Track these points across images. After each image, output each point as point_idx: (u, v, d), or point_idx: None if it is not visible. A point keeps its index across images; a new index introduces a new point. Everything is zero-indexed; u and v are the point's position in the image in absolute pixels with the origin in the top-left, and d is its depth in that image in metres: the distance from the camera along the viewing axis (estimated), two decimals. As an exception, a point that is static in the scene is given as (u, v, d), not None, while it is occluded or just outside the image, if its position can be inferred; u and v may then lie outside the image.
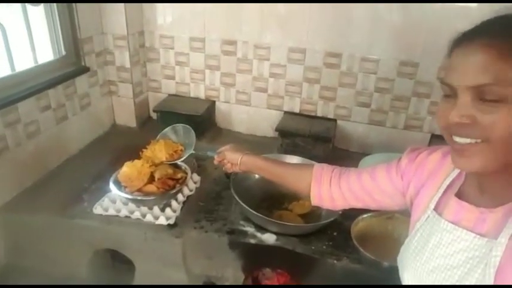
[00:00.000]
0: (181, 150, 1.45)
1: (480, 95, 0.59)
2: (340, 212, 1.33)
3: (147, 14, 1.93)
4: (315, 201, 1.04)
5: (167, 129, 1.48)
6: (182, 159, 1.42)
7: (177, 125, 1.48)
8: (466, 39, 0.63)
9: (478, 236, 0.67)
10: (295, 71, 1.86)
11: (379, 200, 0.94)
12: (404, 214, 1.34)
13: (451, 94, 0.63)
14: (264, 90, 1.95)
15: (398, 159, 0.91)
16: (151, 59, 2.04)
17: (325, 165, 1.05)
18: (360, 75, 1.79)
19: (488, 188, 0.69)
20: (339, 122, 1.91)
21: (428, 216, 0.78)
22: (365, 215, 1.34)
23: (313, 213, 1.45)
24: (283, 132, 1.82)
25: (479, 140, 0.61)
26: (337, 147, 1.94)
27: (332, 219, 1.32)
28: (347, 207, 1.02)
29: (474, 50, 0.60)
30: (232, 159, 1.17)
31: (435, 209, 0.77)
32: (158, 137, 1.47)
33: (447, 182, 0.77)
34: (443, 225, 0.73)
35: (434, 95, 1.74)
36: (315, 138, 1.78)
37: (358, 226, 1.32)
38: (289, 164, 1.17)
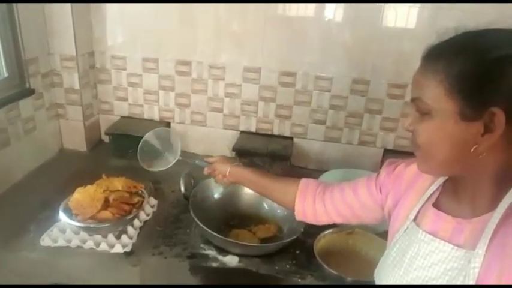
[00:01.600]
0: (141, 188, 1.40)
1: (415, 106, 0.70)
2: (302, 230, 1.33)
3: (97, 34, 1.87)
4: (299, 216, 1.08)
5: (149, 134, 1.36)
6: (168, 166, 1.31)
7: (160, 128, 1.40)
8: (422, 56, 0.71)
9: (456, 248, 0.68)
10: (251, 91, 1.87)
11: (360, 214, 0.98)
12: (365, 229, 1.36)
13: None
14: (220, 110, 1.94)
15: (378, 173, 0.94)
16: (102, 80, 1.97)
17: (310, 181, 1.08)
18: (315, 93, 1.82)
19: (464, 198, 0.72)
20: (295, 139, 1.93)
21: (408, 227, 0.79)
22: (326, 232, 1.34)
23: (277, 238, 1.42)
24: (240, 151, 1.81)
25: (416, 147, 0.72)
26: (295, 165, 1.95)
27: (294, 237, 1.31)
28: (330, 222, 1.06)
29: (420, 66, 0.71)
30: (221, 170, 1.20)
31: (415, 219, 0.78)
32: (141, 143, 1.34)
33: (428, 193, 0.79)
34: (421, 236, 0.74)
35: (385, 111, 1.80)
36: (272, 157, 1.78)
37: (320, 243, 1.31)
38: (276, 177, 1.18)
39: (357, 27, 1.70)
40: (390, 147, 1.87)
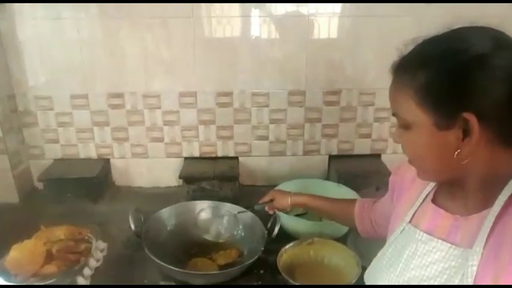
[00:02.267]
0: (87, 233, 1.33)
1: (397, 121, 0.73)
2: (262, 249, 1.30)
3: (15, 75, 1.74)
4: (363, 235, 1.18)
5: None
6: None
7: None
8: (392, 70, 0.73)
9: (454, 246, 0.68)
10: (189, 115, 1.83)
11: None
12: (324, 236, 1.37)
13: None
14: (161, 140, 1.88)
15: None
16: (27, 123, 1.83)
17: (365, 201, 1.16)
18: (254, 110, 1.83)
19: (459, 196, 0.72)
20: (240, 159, 1.91)
21: (404, 229, 0.79)
22: (287, 246, 1.32)
23: (239, 262, 1.38)
24: (187, 178, 1.75)
25: (409, 158, 0.76)
26: (244, 184, 1.93)
27: (255, 257, 1.28)
28: None
29: (392, 81, 0.72)
30: (283, 205, 1.34)
31: (410, 221, 0.78)
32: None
33: (423, 195, 0.80)
34: (418, 236, 0.74)
35: (324, 118, 1.85)
36: (220, 179, 1.75)
37: (283, 258, 1.29)
38: (334, 200, 1.30)
39: (284, 41, 1.73)
40: (334, 153, 1.92)
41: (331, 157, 1.92)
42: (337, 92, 1.81)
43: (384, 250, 0.82)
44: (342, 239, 1.41)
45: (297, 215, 1.55)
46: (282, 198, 1.34)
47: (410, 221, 0.79)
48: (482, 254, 0.63)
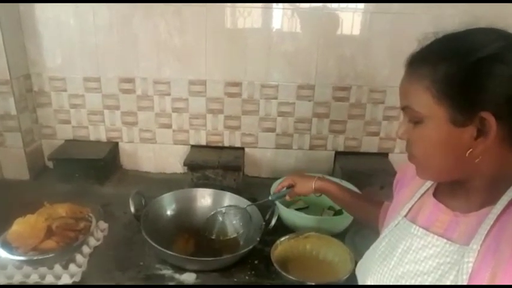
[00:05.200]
0: (88, 212, 1.35)
1: (407, 115, 0.70)
2: (258, 239, 1.32)
3: (32, 55, 1.79)
4: None
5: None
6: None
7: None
8: (406, 63, 0.71)
9: (450, 242, 0.67)
10: (198, 104, 1.85)
11: None
12: (321, 231, 1.37)
13: None
14: (169, 126, 1.90)
15: None
16: (41, 103, 1.88)
17: (389, 205, 1.05)
18: (262, 102, 1.83)
19: (460, 193, 0.71)
20: (246, 149, 1.92)
21: (398, 223, 0.78)
22: (282, 239, 1.33)
23: (233, 251, 1.38)
24: (191, 166, 1.77)
25: (412, 156, 0.73)
26: (248, 175, 1.94)
27: (250, 247, 1.30)
28: None
29: (405, 74, 0.70)
30: (306, 189, 1.24)
31: (407, 216, 0.78)
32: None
33: (421, 190, 0.79)
34: (413, 231, 0.74)
35: (332, 114, 1.84)
36: (224, 169, 1.76)
37: (277, 250, 1.30)
38: (359, 196, 1.27)
39: (296, 34, 1.73)
40: (341, 149, 1.91)
41: (338, 153, 1.91)
42: (347, 88, 1.79)
43: (378, 243, 0.81)
44: (341, 235, 1.41)
45: (298, 209, 1.55)
46: (305, 182, 1.24)
47: (406, 216, 0.78)
48: (479, 251, 0.62)
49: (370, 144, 1.89)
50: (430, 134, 0.66)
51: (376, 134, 1.87)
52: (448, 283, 0.64)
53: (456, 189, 0.72)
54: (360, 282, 0.82)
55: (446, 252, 0.67)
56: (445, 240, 0.68)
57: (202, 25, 1.72)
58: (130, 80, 1.83)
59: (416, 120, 0.68)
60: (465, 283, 0.61)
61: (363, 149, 1.90)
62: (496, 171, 0.66)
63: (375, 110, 1.83)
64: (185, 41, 1.75)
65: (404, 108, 0.70)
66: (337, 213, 1.59)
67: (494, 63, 0.60)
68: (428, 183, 0.80)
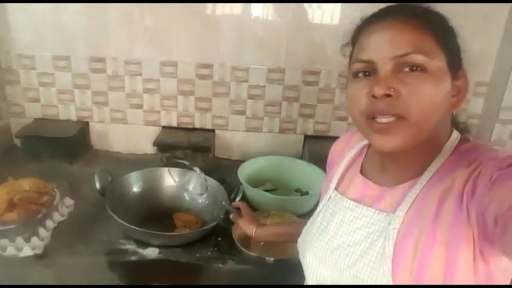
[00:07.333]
0: (52, 188, 1.34)
1: (400, 66, 0.62)
2: (222, 217, 1.34)
3: (-1, 33, 1.77)
4: None
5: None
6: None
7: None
8: (376, 19, 0.67)
9: (378, 211, 0.70)
10: (169, 85, 1.85)
11: None
12: (284, 211, 1.40)
13: (368, 72, 0.66)
14: (140, 107, 1.90)
15: None
16: (10, 81, 1.86)
17: None
18: (233, 84, 1.85)
19: (390, 167, 0.73)
20: (217, 131, 1.94)
21: (330, 197, 0.80)
22: (244, 216, 1.36)
23: (197, 227, 1.42)
24: (161, 146, 1.79)
25: (401, 116, 0.61)
26: (218, 157, 1.96)
27: (214, 224, 1.32)
28: None
29: (390, 24, 0.64)
30: (247, 231, 1.19)
31: (337, 188, 0.80)
32: None
33: (345, 161, 0.81)
34: (346, 204, 0.76)
35: (302, 98, 1.87)
36: (194, 149, 1.78)
37: (239, 228, 1.33)
38: (300, 222, 1.15)
39: (267, 18, 1.75)
40: (310, 133, 1.94)
41: (307, 137, 1.94)
42: (316, 73, 1.82)
43: (314, 218, 0.83)
44: (302, 216, 1.44)
45: (266, 190, 1.58)
46: (250, 222, 1.20)
47: (336, 189, 0.80)
48: (404, 218, 0.65)
49: (338, 129, 1.93)
50: (435, 85, 0.61)
51: (345, 118, 1.91)
52: (376, 250, 0.67)
53: (387, 165, 0.73)
54: (301, 258, 0.82)
55: (375, 221, 0.70)
56: (373, 210, 0.71)
57: (175, 6, 1.72)
58: (101, 60, 1.82)
59: (416, 68, 0.61)
60: (391, 248, 0.64)
61: (331, 133, 1.94)
62: (435, 137, 0.67)
63: (343, 95, 1.85)
64: (157, 21, 1.75)
65: (402, 56, 0.62)
66: (304, 194, 1.63)
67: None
68: (351, 154, 0.82)
